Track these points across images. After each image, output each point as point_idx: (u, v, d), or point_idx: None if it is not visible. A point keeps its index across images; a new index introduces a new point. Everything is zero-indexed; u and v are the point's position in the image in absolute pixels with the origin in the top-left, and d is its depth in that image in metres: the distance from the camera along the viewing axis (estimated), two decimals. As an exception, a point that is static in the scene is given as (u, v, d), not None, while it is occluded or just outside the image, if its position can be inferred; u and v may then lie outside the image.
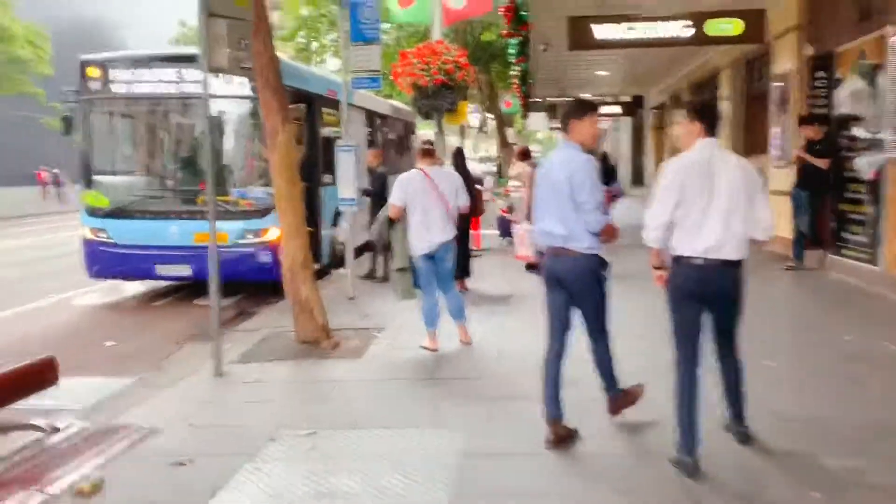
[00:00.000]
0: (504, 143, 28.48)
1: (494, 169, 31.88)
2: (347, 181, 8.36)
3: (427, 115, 16.79)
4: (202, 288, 9.84)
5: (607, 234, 4.05)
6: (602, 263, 4.09)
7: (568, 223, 4.00)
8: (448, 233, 5.97)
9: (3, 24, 24.61)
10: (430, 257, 5.95)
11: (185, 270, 8.90)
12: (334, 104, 11.40)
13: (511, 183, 13.51)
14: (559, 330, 4.22)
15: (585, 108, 4.19)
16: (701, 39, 9.85)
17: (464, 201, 6.14)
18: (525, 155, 10.56)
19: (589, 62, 15.72)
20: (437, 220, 5.91)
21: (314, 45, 26.53)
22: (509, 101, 33.16)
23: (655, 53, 14.88)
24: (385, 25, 22.69)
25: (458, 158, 9.01)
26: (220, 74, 8.70)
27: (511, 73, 16.88)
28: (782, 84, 10.85)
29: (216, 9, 5.31)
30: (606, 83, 19.67)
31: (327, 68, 23.57)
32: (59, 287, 10.33)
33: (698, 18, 9.66)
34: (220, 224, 8.66)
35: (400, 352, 6.13)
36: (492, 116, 31.10)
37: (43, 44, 25.61)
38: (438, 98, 15.63)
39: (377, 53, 8.78)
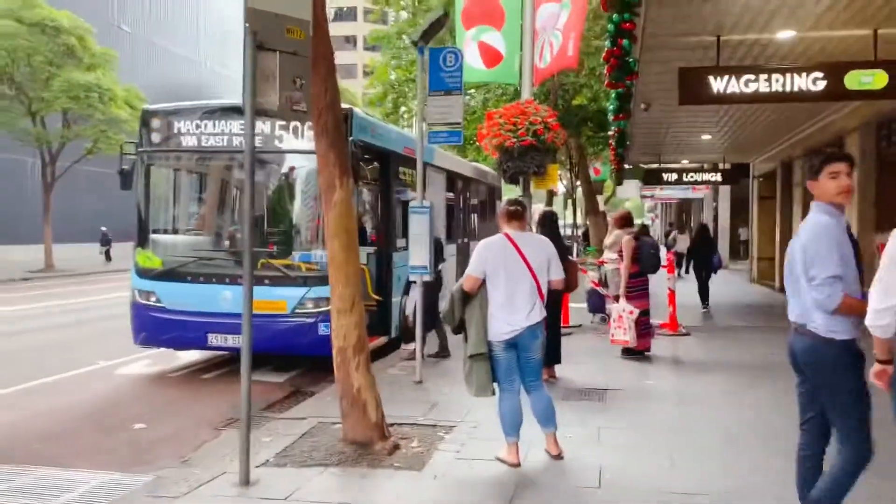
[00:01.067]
0: (594, 211, 27.19)
1: (580, 234, 30.48)
2: (420, 246, 7.30)
3: (513, 179, 15.73)
4: (260, 361, 9.00)
5: (849, 311, 3.31)
6: (850, 351, 3.36)
7: (801, 297, 3.46)
8: (537, 314, 4.78)
9: (105, 85, 25.40)
10: (513, 345, 4.75)
11: (238, 341, 7.97)
12: (413, 164, 10.54)
13: (606, 254, 12.20)
14: (809, 423, 3.63)
15: (820, 162, 3.59)
16: (835, 94, 8.44)
17: (557, 274, 4.94)
18: (626, 221, 9.25)
19: (692, 124, 14.39)
20: (525, 298, 4.73)
21: (402, 109, 26.18)
22: (598, 169, 32.01)
23: (767, 115, 13.44)
24: (471, 90, 22.16)
25: (549, 223, 7.85)
26: (290, 127, 8.05)
27: (608, 132, 15.74)
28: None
29: (267, 40, 4.42)
30: (708, 149, 18.20)
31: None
32: (110, 352, 9.59)
33: (833, 70, 8.28)
34: (279, 290, 7.78)
35: (471, 464, 4.87)
36: (579, 182, 29.87)
37: (139, 105, 26.32)
38: (526, 160, 14.64)
39: (459, 104, 7.79)
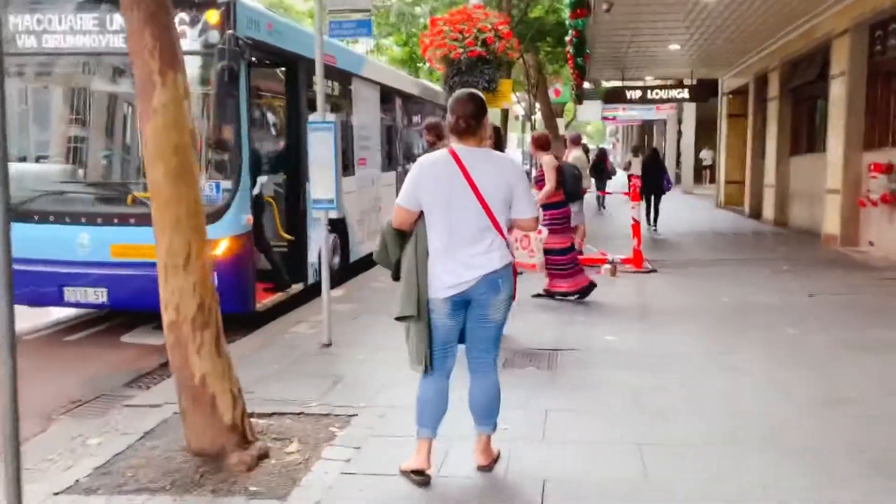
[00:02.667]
0: (554, 136, 25.62)
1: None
2: (322, 173, 5.68)
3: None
4: (140, 318, 7.42)
5: None
6: None
7: None
8: (496, 258, 3.29)
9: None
10: (462, 303, 3.28)
11: (99, 296, 6.37)
12: (337, 75, 8.79)
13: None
14: None
15: None
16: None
17: (524, 211, 3.36)
18: (542, 143, 7.58)
19: (658, 31, 12.75)
20: (473, 236, 3.25)
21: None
22: (559, 90, 30.23)
23: (743, 18, 11.85)
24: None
25: (496, 138, 6.31)
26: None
27: (565, 42, 14.02)
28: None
29: None
30: (675, 62, 16.60)
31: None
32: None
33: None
34: (147, 231, 6.15)
35: (362, 483, 3.42)
36: (538, 105, 28.14)
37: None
38: (474, 74, 12.90)
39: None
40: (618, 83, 19.00)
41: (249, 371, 4.85)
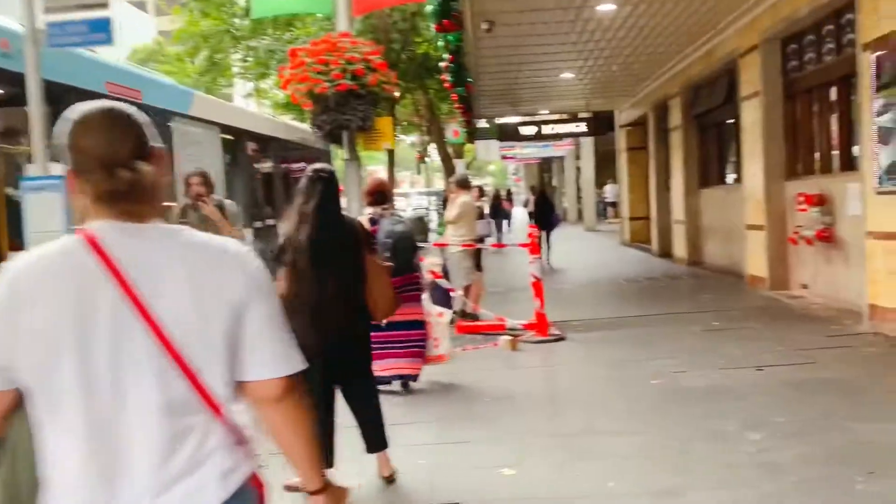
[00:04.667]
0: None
1: (440, 203, 27.29)
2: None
3: (332, 137, 12.12)
4: None
5: None
6: None
7: None
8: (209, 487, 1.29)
9: None
10: None
11: None
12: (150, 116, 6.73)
13: (450, 233, 8.89)
14: None
15: None
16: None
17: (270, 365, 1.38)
18: (374, 196, 5.62)
19: (551, 56, 11.30)
20: (155, 441, 1.25)
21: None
22: (457, 130, 28.91)
23: (639, 41, 10.56)
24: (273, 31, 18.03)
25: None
26: None
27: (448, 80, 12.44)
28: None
29: None
30: (570, 93, 15.32)
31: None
32: None
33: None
34: None
35: None
36: (434, 147, 26.64)
37: None
38: (345, 110, 11.06)
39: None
40: (512, 119, 17.63)
41: None
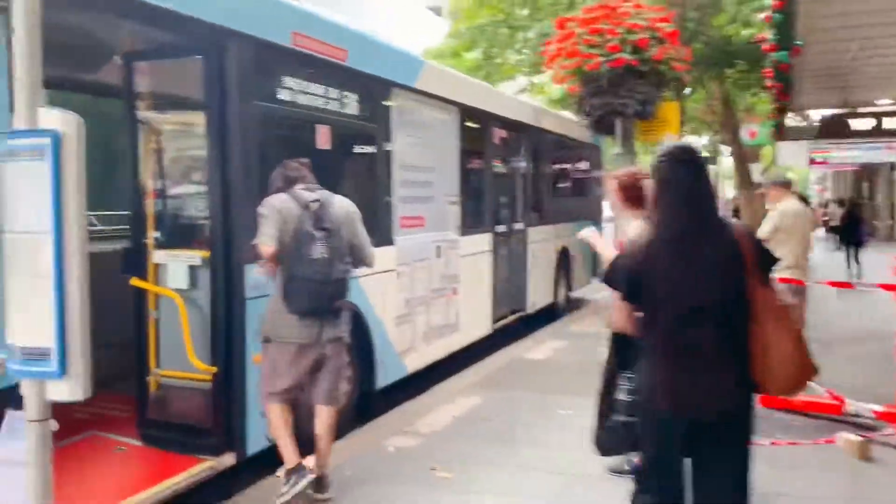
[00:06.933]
0: (746, 183, 20.72)
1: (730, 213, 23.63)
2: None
3: (602, 126, 9.99)
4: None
5: None
6: None
7: None
8: None
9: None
10: None
11: None
12: (361, 85, 5.29)
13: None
14: None
15: None
16: None
17: None
18: (629, 193, 3.60)
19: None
20: None
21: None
22: (754, 131, 24.94)
23: None
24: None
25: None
26: None
27: (760, 63, 9.56)
28: None
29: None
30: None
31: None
32: None
33: None
34: None
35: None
36: (728, 149, 23.10)
37: None
38: (622, 92, 8.86)
39: None
40: (837, 111, 13.93)
41: None
